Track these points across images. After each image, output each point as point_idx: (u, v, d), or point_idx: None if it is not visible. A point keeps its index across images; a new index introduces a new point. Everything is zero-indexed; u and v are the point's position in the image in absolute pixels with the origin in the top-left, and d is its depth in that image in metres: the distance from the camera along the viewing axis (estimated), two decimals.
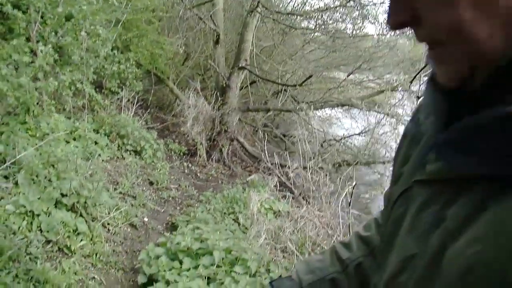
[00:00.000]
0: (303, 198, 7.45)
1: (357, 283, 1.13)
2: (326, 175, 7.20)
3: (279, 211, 6.41)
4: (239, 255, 4.06)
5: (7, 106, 5.15)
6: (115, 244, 4.82)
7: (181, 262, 3.97)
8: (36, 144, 5.01)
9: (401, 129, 9.69)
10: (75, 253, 4.29)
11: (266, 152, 8.21)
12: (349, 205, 5.35)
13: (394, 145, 9.59)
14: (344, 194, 5.90)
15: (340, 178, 6.93)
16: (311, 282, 1.14)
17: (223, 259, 3.96)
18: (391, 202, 0.86)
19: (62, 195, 4.70)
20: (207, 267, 3.87)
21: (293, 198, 6.93)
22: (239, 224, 5.60)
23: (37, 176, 4.76)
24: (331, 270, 1.15)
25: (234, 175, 8.47)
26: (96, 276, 4.22)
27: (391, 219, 0.84)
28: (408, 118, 1.25)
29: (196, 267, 3.91)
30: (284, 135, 10.81)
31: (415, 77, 6.72)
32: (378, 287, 0.82)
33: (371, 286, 1.12)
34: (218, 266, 3.88)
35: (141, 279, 4.10)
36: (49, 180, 4.80)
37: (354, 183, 5.62)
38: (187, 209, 6.08)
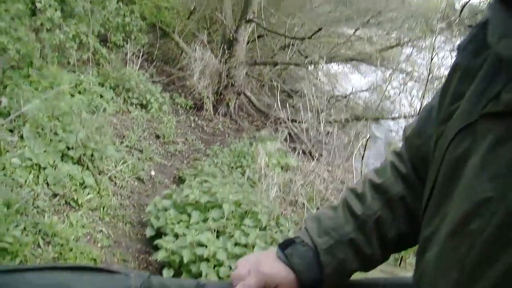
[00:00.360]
0: (310, 153, 7.38)
1: (377, 240, 1.03)
2: (336, 129, 7.11)
3: (287, 165, 6.37)
4: (249, 209, 4.01)
5: (10, 60, 5.05)
6: (122, 197, 4.79)
7: (189, 215, 3.92)
8: (41, 97, 4.92)
9: (411, 85, 9.59)
10: (82, 207, 4.26)
11: (278, 100, 8.08)
12: (362, 158, 5.27)
13: (404, 101, 9.48)
14: (357, 146, 5.80)
15: (353, 132, 6.83)
16: (328, 246, 1.02)
17: (232, 212, 3.91)
18: (442, 143, 0.76)
19: (68, 148, 4.65)
20: (216, 220, 3.82)
21: (303, 152, 6.86)
22: (247, 178, 5.54)
23: (42, 129, 4.70)
24: (347, 229, 1.03)
25: (241, 129, 8.38)
26: (103, 230, 4.20)
27: (447, 161, 0.72)
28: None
29: (204, 220, 3.86)
30: (291, 91, 10.66)
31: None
32: (434, 241, 0.71)
33: (392, 240, 1.03)
34: (227, 219, 3.83)
35: (149, 232, 4.07)
36: (55, 133, 4.74)
37: (368, 136, 5.53)
38: (194, 163, 6.03)
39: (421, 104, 7.47)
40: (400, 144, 1.12)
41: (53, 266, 1.02)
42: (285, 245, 1.06)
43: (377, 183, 1.05)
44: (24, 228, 3.66)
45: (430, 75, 7.44)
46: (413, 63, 10.11)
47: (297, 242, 1.05)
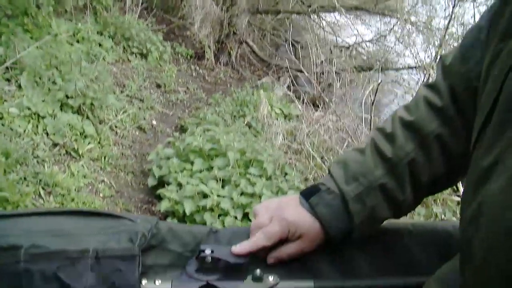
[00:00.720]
0: (314, 103, 7.26)
1: (410, 184, 0.92)
2: (341, 78, 6.96)
3: (291, 114, 6.27)
4: (254, 157, 3.91)
5: (4, 8, 4.89)
6: (124, 147, 4.70)
7: (192, 164, 3.83)
8: (37, 45, 4.78)
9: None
10: (83, 156, 4.19)
11: (280, 49, 7.87)
12: (373, 104, 5.12)
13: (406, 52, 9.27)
14: (366, 93, 5.65)
15: (358, 82, 6.67)
16: (357, 193, 0.91)
17: (237, 160, 3.81)
18: (502, 61, 0.65)
19: (67, 96, 4.56)
20: (221, 168, 3.73)
21: (306, 102, 6.73)
22: (249, 127, 5.45)
23: (40, 78, 4.61)
24: (377, 174, 0.92)
25: (243, 78, 8.23)
26: (105, 179, 4.13)
27: (506, 93, 0.62)
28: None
29: (208, 169, 3.78)
30: (294, 40, 10.44)
31: None
32: (498, 171, 0.59)
33: (426, 183, 0.94)
34: (232, 168, 3.73)
35: (151, 182, 3.99)
36: (53, 82, 4.64)
37: (379, 80, 5.37)
38: (196, 112, 5.92)
39: (436, 54, 7.26)
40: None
41: (50, 211, 0.92)
42: (309, 193, 0.95)
43: (409, 121, 0.93)
44: (24, 178, 3.59)
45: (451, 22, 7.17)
46: (417, 13, 9.84)
47: (322, 189, 0.94)
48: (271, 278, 0.90)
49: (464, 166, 0.76)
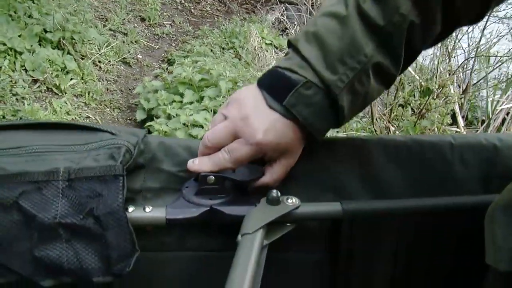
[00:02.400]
0: None
1: (404, 53, 0.71)
2: None
3: (281, 46, 6.05)
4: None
5: None
6: (108, 82, 4.48)
7: (181, 95, 3.63)
8: None
9: None
10: (65, 93, 3.98)
11: None
12: None
13: None
14: None
15: None
16: (347, 82, 0.69)
17: (229, 90, 3.60)
18: None
19: (46, 31, 4.31)
20: (212, 98, 3.53)
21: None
22: (239, 58, 5.22)
23: (15, 12, 4.34)
24: (368, 51, 0.69)
25: (231, 11, 7.92)
26: (90, 116, 3.93)
27: None
28: None
29: (199, 100, 3.58)
30: None
31: None
32: None
33: (419, 50, 0.75)
34: (224, 97, 3.53)
35: (139, 116, 3.80)
36: (29, 16, 4.39)
37: None
38: (183, 45, 5.69)
39: None
40: None
41: (6, 125, 0.72)
42: (279, 90, 0.71)
43: None
44: (3, 117, 3.39)
45: None
46: None
47: (298, 83, 0.69)
48: (290, 201, 0.71)
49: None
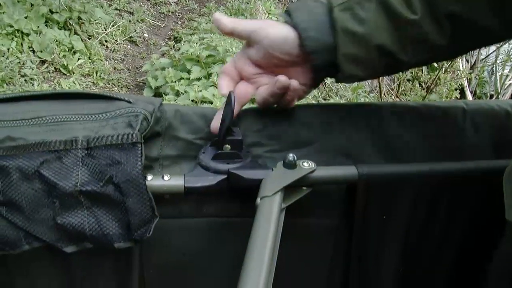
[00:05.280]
0: None
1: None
2: None
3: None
4: None
5: None
6: (116, 61, 4.48)
7: (189, 72, 3.62)
8: None
9: None
10: (73, 73, 3.99)
11: None
12: None
13: None
14: None
15: None
16: (346, 0, 0.70)
17: None
18: None
19: (52, 12, 4.30)
20: None
21: None
22: None
23: None
24: None
25: None
26: None
27: None
28: None
29: (206, 77, 3.57)
30: None
31: None
32: None
33: None
34: None
35: (147, 93, 3.79)
36: None
37: None
38: (189, 23, 5.65)
39: None
40: None
41: (24, 95, 0.73)
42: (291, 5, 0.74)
43: None
44: None
45: None
46: None
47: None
48: (306, 164, 0.72)
49: None
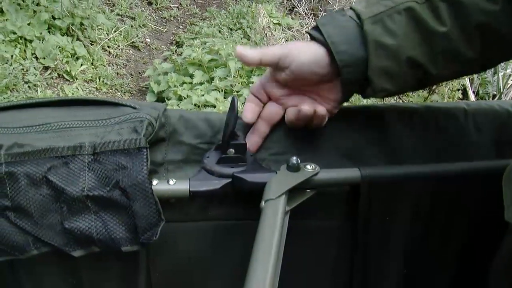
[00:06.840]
0: (315, 15, 6.97)
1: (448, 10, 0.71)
2: None
3: (289, 25, 6.01)
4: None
5: None
6: (118, 66, 4.49)
7: (191, 77, 3.63)
8: None
9: None
10: (76, 78, 4.00)
11: None
12: None
13: None
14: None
15: None
16: (376, 14, 0.71)
17: (238, 70, 3.60)
18: None
19: (54, 18, 4.31)
20: (222, 79, 3.53)
21: (305, 14, 6.45)
22: (248, 39, 5.20)
23: (23, 0, 4.33)
24: None
25: None
26: None
27: None
28: None
29: (209, 81, 3.58)
30: None
31: None
32: None
33: None
34: (234, 77, 3.52)
35: (150, 98, 3.80)
36: (37, 4, 4.38)
37: None
38: (191, 27, 5.66)
39: None
40: None
41: (30, 103, 0.74)
42: (321, 18, 0.75)
43: None
44: None
45: None
46: None
47: (336, 12, 0.75)
48: (309, 167, 0.73)
49: None
